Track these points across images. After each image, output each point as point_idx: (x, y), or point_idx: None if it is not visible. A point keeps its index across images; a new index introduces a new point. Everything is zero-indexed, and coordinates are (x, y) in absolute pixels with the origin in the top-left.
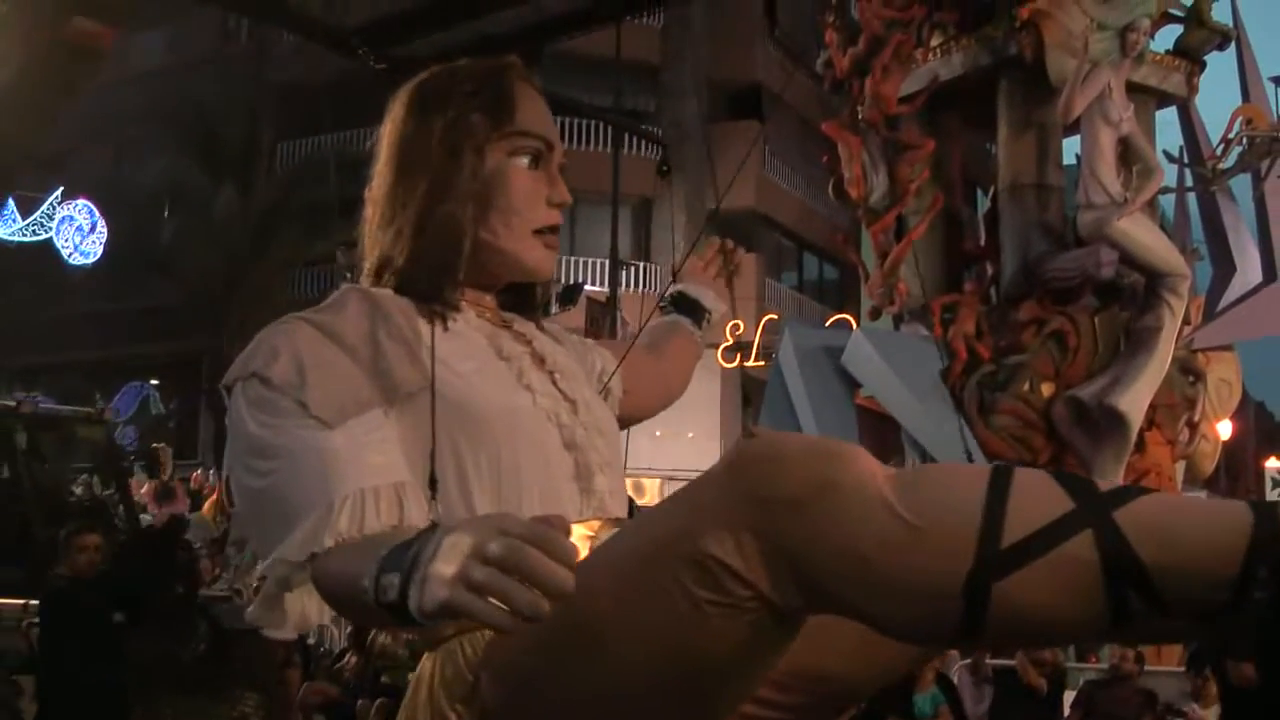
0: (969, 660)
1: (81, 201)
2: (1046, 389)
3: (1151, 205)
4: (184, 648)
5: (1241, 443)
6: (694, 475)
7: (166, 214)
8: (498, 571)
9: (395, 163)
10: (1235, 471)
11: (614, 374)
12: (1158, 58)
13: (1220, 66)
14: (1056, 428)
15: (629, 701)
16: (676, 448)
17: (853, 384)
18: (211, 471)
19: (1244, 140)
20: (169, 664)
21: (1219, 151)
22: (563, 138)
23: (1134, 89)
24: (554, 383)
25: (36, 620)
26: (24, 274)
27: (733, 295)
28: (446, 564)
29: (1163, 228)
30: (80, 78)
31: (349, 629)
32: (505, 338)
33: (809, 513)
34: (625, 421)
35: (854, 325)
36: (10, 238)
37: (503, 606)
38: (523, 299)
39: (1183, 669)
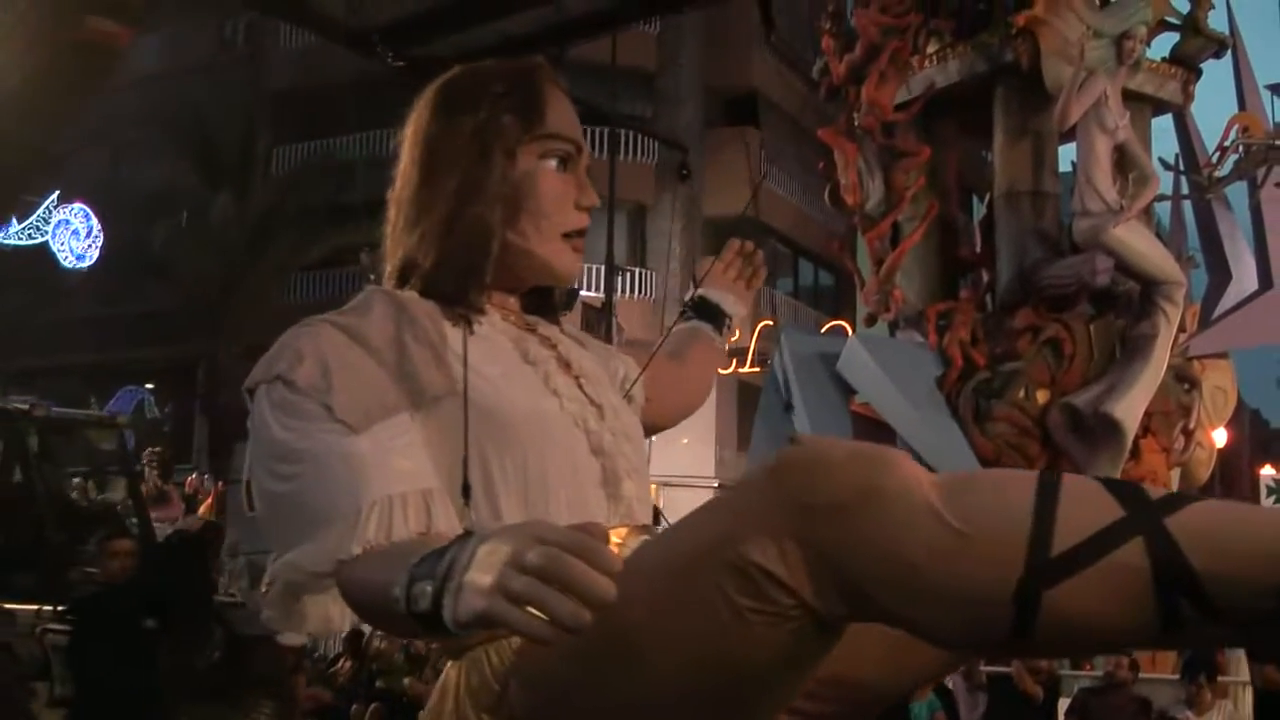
0: (963, 667)
1: (78, 205)
2: (1042, 396)
3: (1147, 213)
4: (200, 655)
5: (1236, 450)
6: (689, 481)
7: (163, 218)
8: (537, 581)
9: (421, 163)
10: (1230, 479)
11: (636, 381)
12: (1154, 65)
13: (1216, 74)
14: (1052, 435)
15: (666, 711)
16: (671, 454)
17: (848, 390)
18: (206, 476)
19: (1240, 148)
20: (185, 671)
21: (1215, 159)
22: None
23: (1130, 96)
24: (580, 387)
25: (51, 626)
26: (20, 278)
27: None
28: (483, 573)
29: (1158, 235)
30: (96, 78)
31: (344, 634)
32: (531, 341)
33: (854, 519)
34: (646, 430)
35: (849, 331)
36: (6, 241)
37: (541, 617)
38: (543, 301)
39: (1177, 676)
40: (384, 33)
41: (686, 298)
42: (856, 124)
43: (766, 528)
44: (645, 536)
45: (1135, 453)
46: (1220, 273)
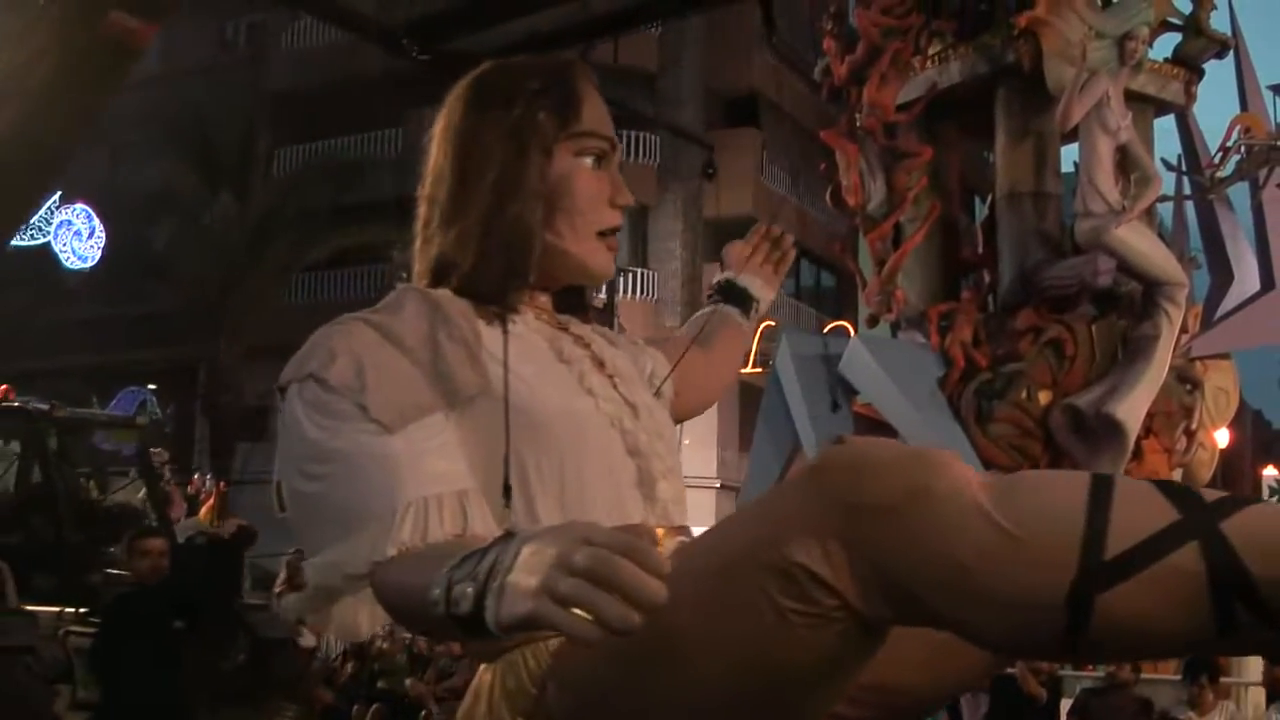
0: None
1: (79, 206)
2: (1044, 397)
3: (1149, 213)
4: (224, 658)
5: (1239, 451)
6: (691, 483)
7: (164, 219)
8: (585, 583)
9: (455, 160)
10: (1232, 480)
11: (667, 378)
12: (1156, 66)
13: (1218, 75)
14: (1054, 436)
15: (708, 715)
16: None
17: (850, 391)
18: (208, 477)
19: (1242, 149)
20: (209, 674)
21: (1217, 160)
22: None
23: (1132, 97)
24: (614, 387)
25: (74, 628)
26: (22, 278)
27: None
28: (528, 575)
29: (1161, 236)
30: (117, 76)
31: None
32: (565, 341)
33: (901, 521)
34: (675, 420)
35: (851, 332)
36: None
37: (588, 619)
38: (575, 300)
39: (1179, 677)
40: (411, 28)
41: (714, 281)
42: (858, 125)
43: (811, 529)
44: (682, 538)
45: (1137, 454)
46: (1222, 273)
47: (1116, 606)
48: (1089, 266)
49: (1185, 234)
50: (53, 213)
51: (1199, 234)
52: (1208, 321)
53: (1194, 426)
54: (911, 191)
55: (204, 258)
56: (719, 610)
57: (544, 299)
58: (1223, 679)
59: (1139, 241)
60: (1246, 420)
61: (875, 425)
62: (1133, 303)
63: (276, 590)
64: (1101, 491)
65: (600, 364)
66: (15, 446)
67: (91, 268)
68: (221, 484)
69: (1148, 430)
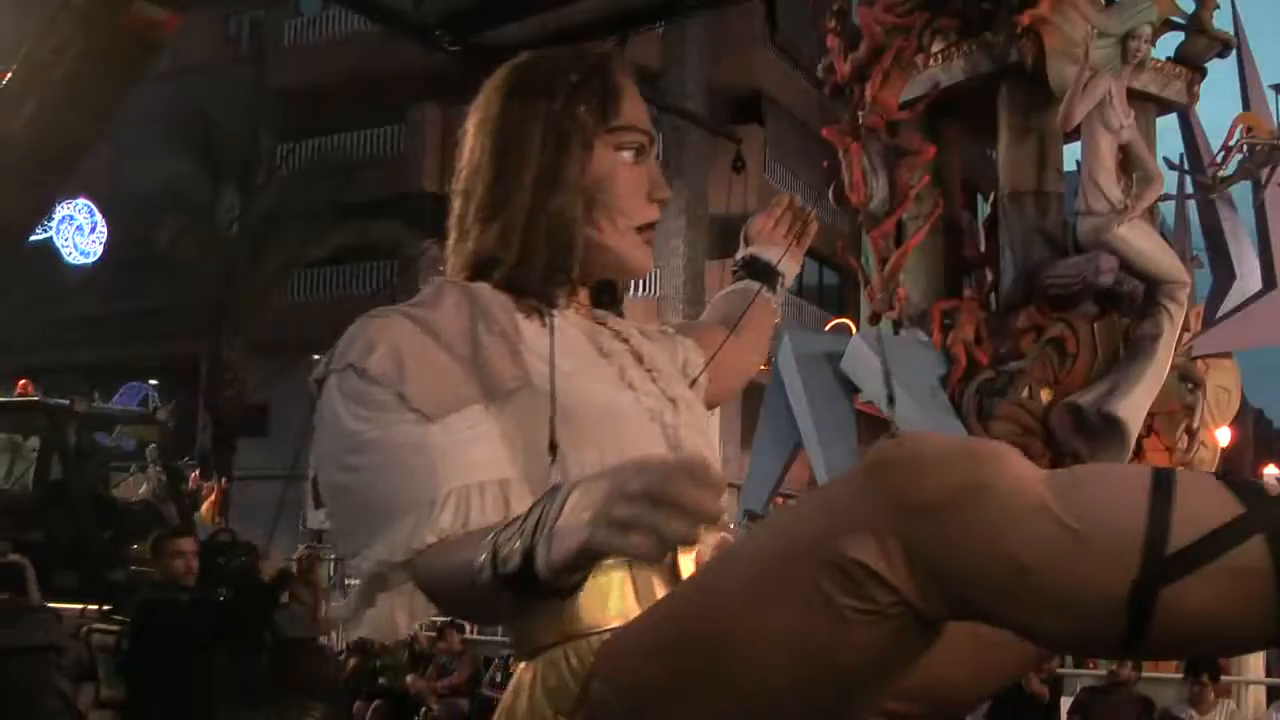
0: None
1: (82, 201)
2: (1045, 395)
3: (1151, 212)
4: (249, 658)
5: (1240, 450)
6: None
7: (166, 215)
8: (643, 503)
9: (495, 154)
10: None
11: (703, 371)
12: (1159, 65)
13: (1221, 74)
14: (1055, 434)
15: (760, 713)
16: None
17: (852, 389)
18: (193, 471)
19: (1244, 148)
20: (233, 675)
21: (1219, 159)
22: None
23: (1135, 96)
24: (653, 381)
25: (97, 626)
26: (23, 273)
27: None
28: (580, 512)
29: (1163, 235)
30: (141, 66)
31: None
32: (604, 335)
33: (960, 517)
34: (710, 404)
35: (853, 330)
36: None
37: (646, 540)
38: (607, 294)
39: (1180, 675)
40: (444, 20)
41: (737, 256)
42: (861, 123)
43: (868, 525)
44: (722, 534)
45: (1139, 452)
46: (1224, 272)
47: (1181, 602)
48: (1091, 265)
49: (1187, 233)
50: (55, 208)
51: (1201, 233)
52: (1209, 320)
53: (1195, 425)
54: (914, 189)
55: (206, 254)
56: (773, 607)
57: (582, 293)
58: (1223, 677)
59: (1141, 240)
60: (1248, 419)
61: (877, 423)
62: (1134, 301)
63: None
64: (1163, 485)
65: (639, 358)
66: (34, 442)
67: (93, 263)
68: (223, 480)
69: (1149, 429)
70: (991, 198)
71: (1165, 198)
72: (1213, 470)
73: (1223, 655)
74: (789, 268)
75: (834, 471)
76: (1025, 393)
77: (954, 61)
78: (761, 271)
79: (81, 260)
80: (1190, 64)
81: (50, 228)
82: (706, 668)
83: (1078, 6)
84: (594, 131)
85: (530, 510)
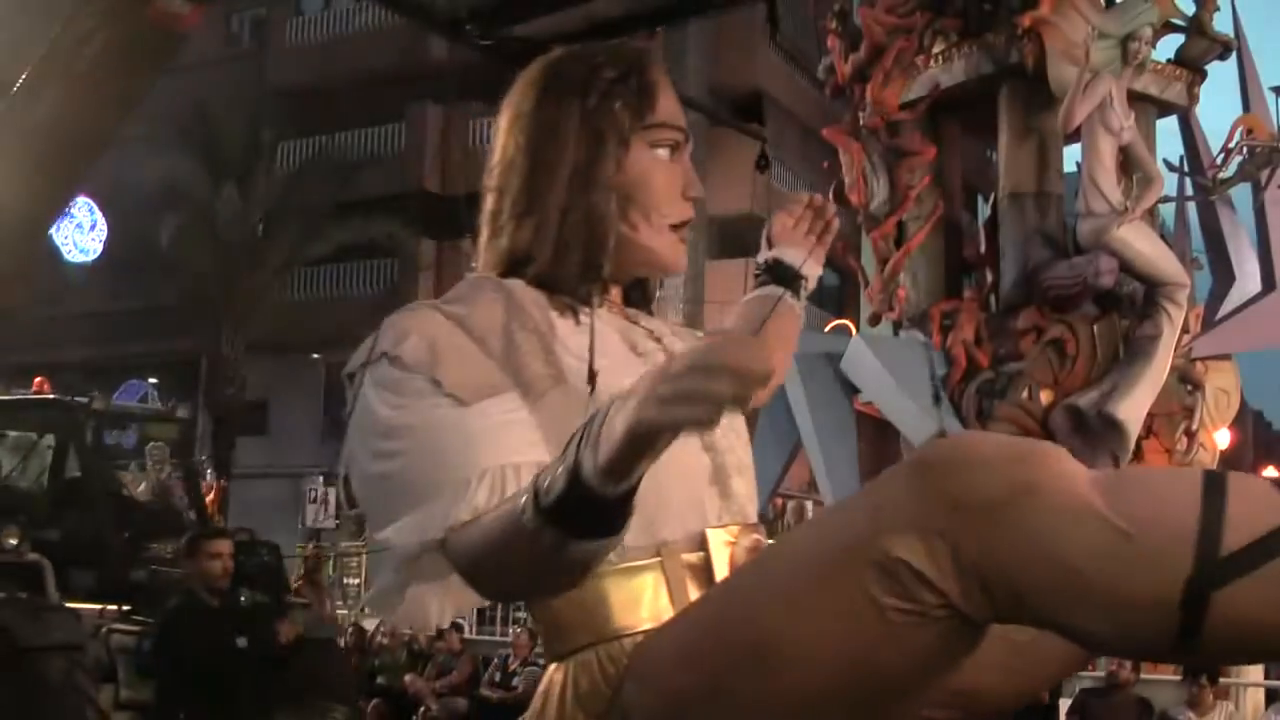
0: None
1: (82, 199)
2: (1045, 397)
3: (1151, 214)
4: (270, 657)
5: (1240, 452)
6: None
7: (167, 213)
8: (688, 375)
9: (529, 150)
10: None
11: None
12: (1159, 67)
13: (1221, 76)
14: (1055, 435)
15: (800, 716)
16: None
17: (852, 389)
18: (209, 471)
19: (1244, 150)
20: (256, 676)
21: (1219, 161)
22: None
23: (1135, 98)
24: None
25: (117, 626)
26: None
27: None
28: (623, 410)
29: (1163, 236)
30: (165, 58)
31: (349, 630)
32: (638, 334)
33: (1008, 518)
34: None
35: (853, 331)
36: None
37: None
38: (638, 293)
39: (1179, 677)
40: (473, 14)
41: (759, 259)
42: (862, 123)
43: (914, 525)
44: (756, 535)
45: (1138, 454)
46: (1224, 275)
47: (1233, 605)
48: (1091, 266)
49: (1187, 235)
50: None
51: (1201, 235)
52: (1209, 322)
53: (1195, 427)
54: (914, 190)
55: (206, 251)
56: (816, 607)
57: (615, 291)
58: (1221, 679)
59: (1141, 242)
60: (1247, 421)
61: (877, 424)
62: (1134, 303)
63: (294, 586)
64: (1215, 487)
65: (672, 357)
66: (49, 440)
67: (93, 261)
68: (222, 479)
69: (1149, 430)
70: (992, 199)
71: (1165, 199)
72: None
73: (1273, 661)
74: (812, 270)
75: (834, 472)
76: (1025, 394)
77: (955, 62)
78: (785, 275)
79: (81, 258)
80: (1190, 66)
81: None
82: (745, 670)
83: (1078, 8)
84: (630, 129)
85: (569, 440)
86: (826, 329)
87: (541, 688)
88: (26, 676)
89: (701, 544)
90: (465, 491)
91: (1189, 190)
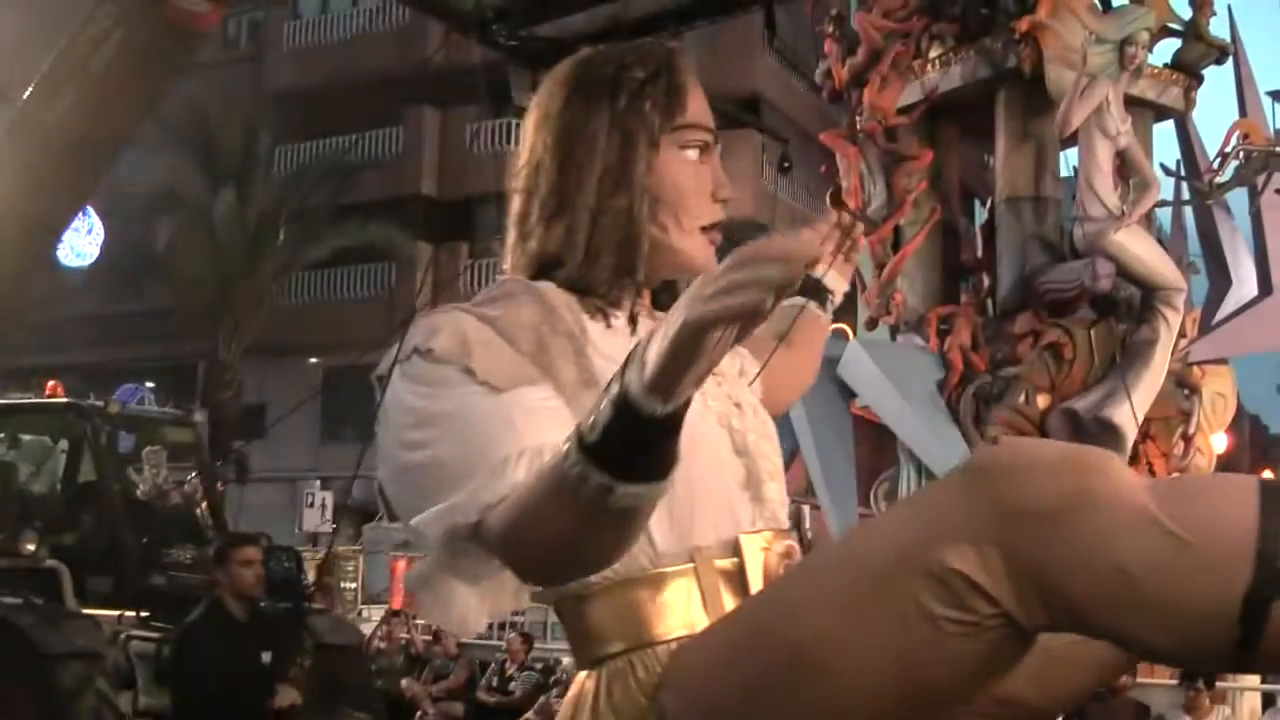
0: None
1: None
2: (1042, 401)
3: (1148, 218)
4: (286, 659)
5: (1236, 456)
6: None
7: (164, 217)
8: (733, 269)
9: (557, 151)
10: None
11: (758, 375)
12: (1156, 71)
13: (1218, 81)
14: (1051, 440)
15: None
16: None
17: (849, 394)
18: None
19: (1241, 154)
20: (278, 682)
21: (1216, 165)
22: None
23: (1132, 102)
24: (718, 384)
25: (135, 633)
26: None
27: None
28: (667, 323)
29: (1159, 241)
30: (182, 59)
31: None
32: None
33: (1065, 526)
34: None
35: (850, 335)
36: None
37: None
38: (666, 295)
39: (1175, 681)
40: (498, 13)
41: None
42: (859, 128)
43: (966, 533)
44: (789, 541)
45: (1135, 458)
46: (1221, 279)
47: None
48: (1088, 271)
49: (1184, 239)
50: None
51: (1197, 239)
52: (1206, 327)
53: (1191, 431)
54: (911, 195)
55: (203, 255)
56: (865, 618)
57: (645, 294)
58: (1218, 684)
59: (1138, 246)
60: (1244, 425)
61: (874, 428)
62: (1131, 307)
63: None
64: (1273, 494)
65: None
66: (63, 444)
67: (90, 264)
68: (219, 484)
69: (1145, 435)
70: (989, 203)
71: (1162, 204)
72: None
73: None
74: (837, 285)
75: (831, 476)
76: (1022, 398)
77: (952, 67)
78: (809, 288)
79: (78, 261)
80: (1187, 70)
81: None
82: (787, 680)
83: (1076, 13)
84: (660, 130)
85: (609, 381)
86: None
87: (572, 694)
88: (46, 684)
89: (735, 550)
90: (504, 469)
91: (1185, 195)
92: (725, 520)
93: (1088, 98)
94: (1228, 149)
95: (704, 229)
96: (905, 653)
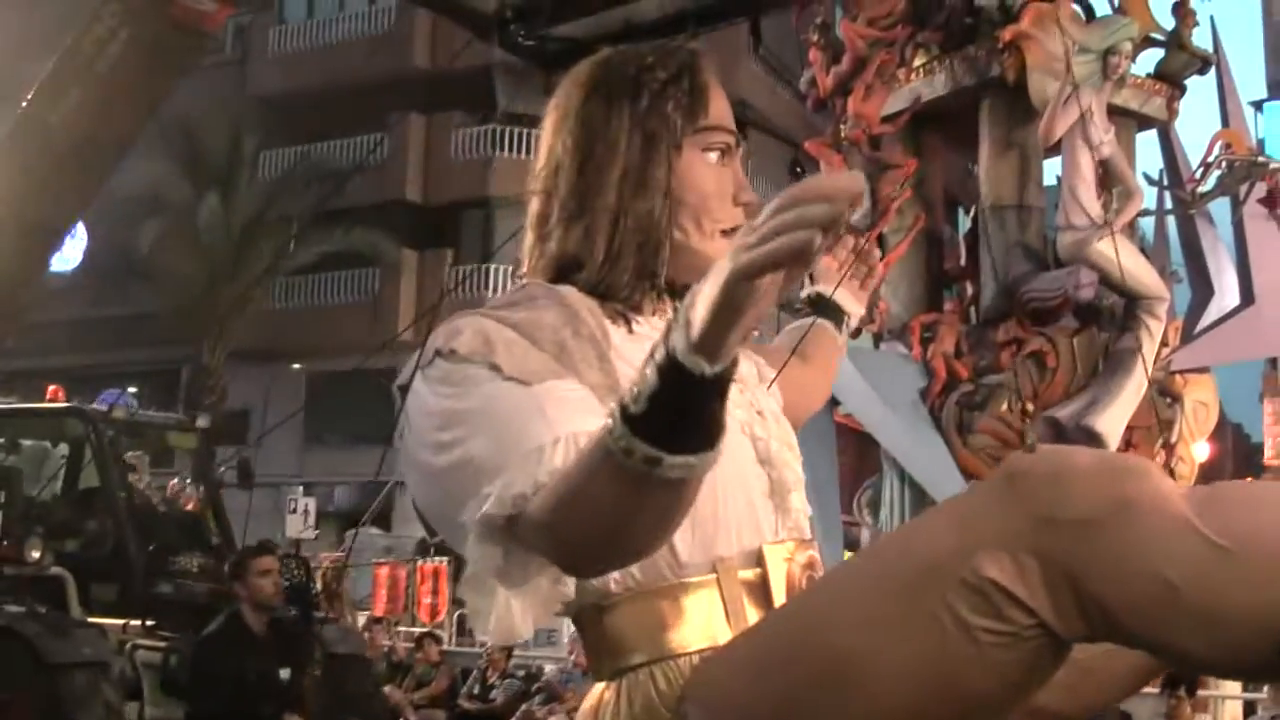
0: None
1: None
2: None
3: (1131, 227)
4: (301, 674)
5: (1219, 465)
6: None
7: (149, 221)
8: (773, 215)
9: (578, 152)
10: None
11: (772, 383)
12: (1139, 81)
13: (1200, 91)
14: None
15: None
16: None
17: (832, 401)
18: (188, 481)
19: (1223, 164)
20: (288, 693)
21: (1198, 175)
22: None
23: (1115, 112)
24: (740, 392)
25: (141, 642)
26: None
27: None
28: (710, 279)
29: (1142, 250)
30: (188, 59)
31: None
32: None
33: (1104, 534)
34: None
35: None
36: None
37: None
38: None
39: (1157, 690)
40: (516, 14)
41: (802, 294)
42: (843, 136)
43: (1002, 542)
44: (812, 552)
45: None
46: (1203, 288)
47: None
48: (1071, 279)
49: (1166, 248)
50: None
51: (1180, 248)
52: (1188, 335)
53: (1174, 440)
54: (895, 203)
55: (188, 260)
56: (898, 629)
57: (667, 299)
58: (1200, 692)
59: (1121, 255)
60: (1227, 434)
61: (857, 435)
62: (1114, 316)
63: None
64: None
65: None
66: (63, 449)
67: (74, 269)
68: (201, 489)
69: (1128, 443)
70: (973, 211)
71: (1144, 213)
72: (1191, 485)
73: None
74: (853, 307)
75: (815, 483)
76: (1005, 406)
77: (936, 75)
78: (825, 309)
79: (62, 266)
80: (1170, 80)
81: None
82: (820, 694)
83: (1059, 22)
84: (682, 131)
85: (652, 347)
86: None
87: (589, 704)
88: (51, 693)
89: (758, 560)
90: (540, 458)
91: (1168, 204)
92: (749, 530)
93: (1071, 107)
94: (1210, 159)
95: (724, 232)
96: (942, 663)
